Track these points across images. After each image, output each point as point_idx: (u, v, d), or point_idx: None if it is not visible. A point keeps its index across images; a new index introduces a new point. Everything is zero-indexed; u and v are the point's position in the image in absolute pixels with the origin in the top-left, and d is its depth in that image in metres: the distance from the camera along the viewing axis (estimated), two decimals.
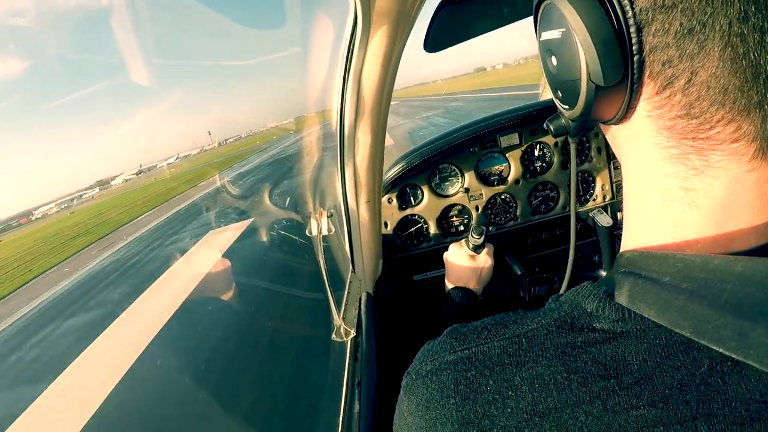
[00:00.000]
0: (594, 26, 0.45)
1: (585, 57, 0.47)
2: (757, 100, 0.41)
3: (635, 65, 0.45)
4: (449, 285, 1.58)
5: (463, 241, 1.64)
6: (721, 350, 0.37)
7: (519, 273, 1.86)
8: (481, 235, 1.57)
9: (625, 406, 0.40)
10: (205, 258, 1.49)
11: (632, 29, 0.43)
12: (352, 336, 1.32)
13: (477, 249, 1.59)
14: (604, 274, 1.86)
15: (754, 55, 0.39)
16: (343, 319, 1.34)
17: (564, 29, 0.49)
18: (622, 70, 0.45)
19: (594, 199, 2.01)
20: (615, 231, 1.76)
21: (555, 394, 0.43)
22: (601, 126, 0.56)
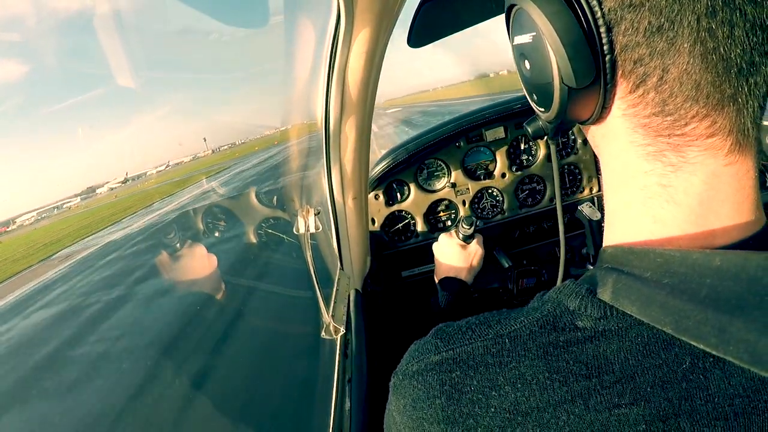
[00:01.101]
0: (563, 29, 0.45)
1: (556, 60, 0.47)
2: (730, 93, 0.41)
3: (607, 65, 0.45)
4: (439, 275, 1.58)
5: (452, 231, 1.64)
6: (701, 346, 0.38)
7: (507, 266, 1.87)
8: (471, 225, 1.57)
9: (606, 404, 0.41)
10: (190, 254, 1.47)
11: (602, 29, 0.43)
12: (341, 333, 1.32)
13: (467, 239, 1.59)
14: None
15: (724, 49, 0.39)
16: (332, 316, 1.33)
17: (534, 33, 0.49)
18: (594, 71, 0.46)
19: (581, 191, 2.02)
20: (602, 224, 1.77)
21: (537, 393, 0.44)
22: (580, 126, 0.56)
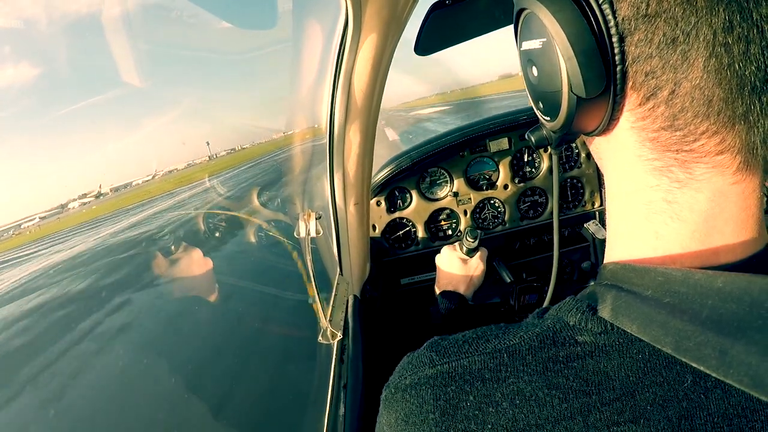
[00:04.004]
0: (575, 36, 0.44)
1: (566, 68, 0.46)
2: (742, 111, 0.40)
3: (617, 76, 0.44)
4: (439, 289, 1.58)
5: (456, 244, 1.64)
6: (702, 368, 0.37)
7: (508, 280, 1.86)
8: (475, 239, 1.56)
9: (606, 422, 0.40)
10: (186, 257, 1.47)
11: (614, 39, 0.42)
12: (338, 338, 1.32)
13: (470, 253, 1.59)
14: None
15: (738, 65, 0.39)
16: (330, 321, 1.33)
17: (544, 39, 0.47)
18: (604, 82, 0.45)
19: (583, 205, 2.02)
20: None
21: (536, 410, 0.43)
22: (584, 137, 0.55)
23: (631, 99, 0.45)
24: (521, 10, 0.52)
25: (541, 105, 0.55)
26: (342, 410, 1.16)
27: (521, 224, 2.02)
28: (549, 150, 1.93)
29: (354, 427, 1.12)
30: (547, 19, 0.46)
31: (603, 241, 1.72)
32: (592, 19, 0.43)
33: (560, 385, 0.43)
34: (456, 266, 1.57)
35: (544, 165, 1.96)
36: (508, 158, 1.95)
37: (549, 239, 2.06)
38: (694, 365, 0.38)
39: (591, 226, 1.72)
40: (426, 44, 1.13)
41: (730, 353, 0.35)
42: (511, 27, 0.59)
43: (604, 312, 0.46)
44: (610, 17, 0.42)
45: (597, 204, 2.02)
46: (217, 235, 2.31)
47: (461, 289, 1.52)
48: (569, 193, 2.02)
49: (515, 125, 1.89)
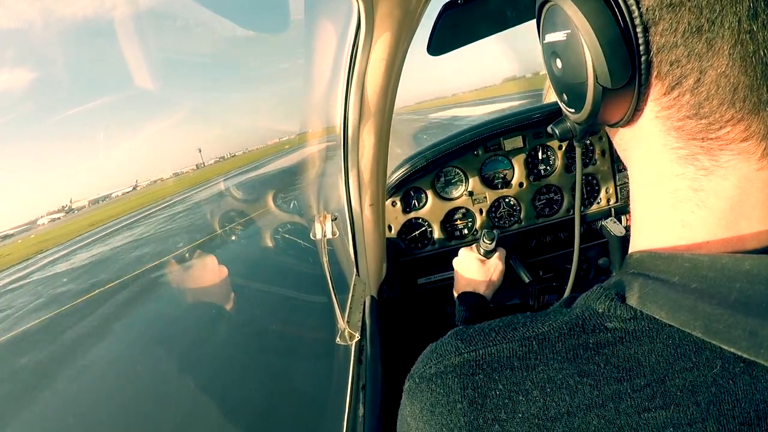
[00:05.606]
0: (600, 27, 0.44)
1: (591, 59, 0.46)
2: (767, 97, 0.40)
3: (642, 66, 0.44)
4: (458, 290, 1.57)
5: (474, 245, 1.64)
6: (732, 350, 0.37)
7: (527, 280, 1.85)
8: (492, 240, 1.56)
9: (637, 408, 0.40)
10: (202, 266, 1.49)
11: (639, 29, 0.42)
12: (356, 339, 1.32)
13: (488, 254, 1.58)
14: None
15: (763, 52, 0.39)
16: (348, 322, 1.33)
17: (569, 31, 0.47)
18: (630, 72, 0.44)
19: (598, 202, 2.00)
20: (628, 237, 1.75)
21: (567, 398, 0.43)
22: (607, 129, 0.55)
23: (656, 89, 0.45)
24: (544, 3, 0.52)
25: (565, 97, 0.55)
26: (361, 411, 1.17)
27: (537, 222, 2.01)
28: (564, 147, 1.92)
29: (374, 427, 1.12)
30: (571, 10, 0.46)
31: (619, 238, 1.70)
32: (616, 9, 0.43)
33: (591, 372, 0.43)
34: (475, 267, 1.56)
35: (559, 162, 1.94)
36: (523, 156, 1.94)
37: (565, 236, 2.04)
38: (724, 347, 0.38)
39: (609, 223, 1.71)
40: (438, 44, 1.13)
41: (760, 334, 0.36)
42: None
43: (632, 299, 0.46)
44: (634, 7, 0.42)
45: (612, 201, 2.00)
46: (233, 238, 2.33)
47: (481, 290, 1.51)
48: (585, 190, 2.00)
49: (529, 123, 1.88)
